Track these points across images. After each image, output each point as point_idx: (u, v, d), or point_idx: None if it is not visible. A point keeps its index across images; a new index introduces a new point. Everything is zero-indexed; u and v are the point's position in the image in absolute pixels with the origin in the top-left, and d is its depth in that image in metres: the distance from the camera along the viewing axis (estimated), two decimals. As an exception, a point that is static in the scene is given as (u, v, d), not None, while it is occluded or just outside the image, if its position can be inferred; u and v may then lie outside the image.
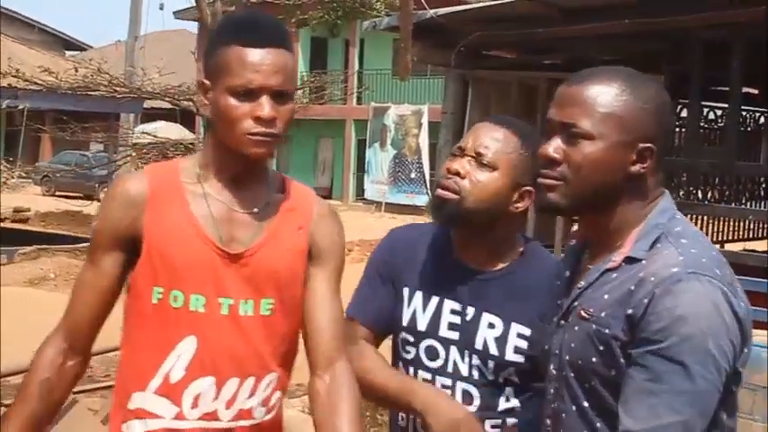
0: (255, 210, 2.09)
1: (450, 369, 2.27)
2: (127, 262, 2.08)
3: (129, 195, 2.06)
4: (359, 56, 31.16)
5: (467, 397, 2.24)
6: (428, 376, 2.28)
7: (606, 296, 1.75)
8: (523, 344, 2.22)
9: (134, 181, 2.10)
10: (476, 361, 2.25)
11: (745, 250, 9.53)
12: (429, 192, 29.28)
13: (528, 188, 2.20)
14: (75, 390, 2.35)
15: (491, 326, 2.25)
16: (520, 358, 2.22)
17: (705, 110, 8.53)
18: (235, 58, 2.00)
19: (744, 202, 9.95)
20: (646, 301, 1.68)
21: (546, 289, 2.11)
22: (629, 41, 6.87)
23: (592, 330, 1.76)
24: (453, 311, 2.28)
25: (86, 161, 15.11)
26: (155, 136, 8.68)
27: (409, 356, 2.32)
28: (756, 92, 8.94)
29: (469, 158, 2.24)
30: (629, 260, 1.76)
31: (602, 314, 1.74)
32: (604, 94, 1.77)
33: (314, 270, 2.13)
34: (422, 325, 2.30)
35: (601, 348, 1.74)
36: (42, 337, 2.12)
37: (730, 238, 10.72)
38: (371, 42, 30.53)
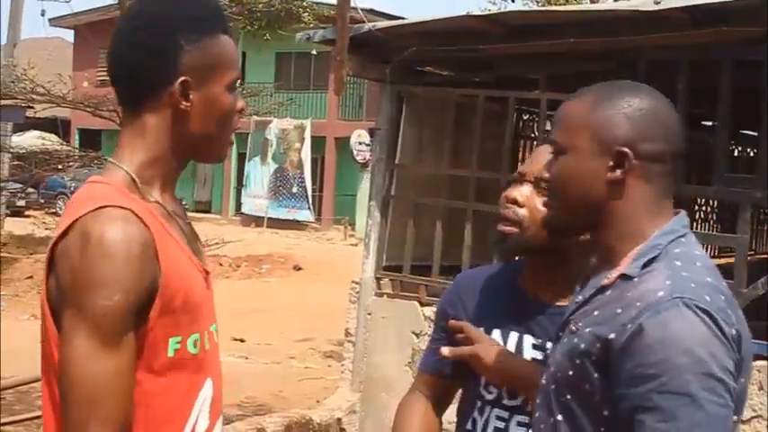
0: (188, 219, 1.87)
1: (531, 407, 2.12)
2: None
3: (142, 249, 1.64)
4: (241, 69, 30.69)
5: None
6: (505, 414, 2.17)
7: (596, 312, 1.73)
8: None
9: (134, 225, 1.65)
10: None
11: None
12: (311, 207, 29.10)
13: None
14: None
15: None
16: None
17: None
18: (230, 50, 1.79)
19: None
20: (630, 327, 1.62)
21: None
22: (574, 60, 6.82)
23: (573, 344, 1.73)
24: (535, 347, 2.16)
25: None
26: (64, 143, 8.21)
27: (491, 396, 2.18)
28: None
29: (530, 185, 2.13)
30: (624, 278, 1.72)
31: (587, 330, 1.71)
32: (576, 107, 1.80)
33: None
34: None
35: (576, 362, 1.71)
36: None
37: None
38: (254, 56, 30.16)
